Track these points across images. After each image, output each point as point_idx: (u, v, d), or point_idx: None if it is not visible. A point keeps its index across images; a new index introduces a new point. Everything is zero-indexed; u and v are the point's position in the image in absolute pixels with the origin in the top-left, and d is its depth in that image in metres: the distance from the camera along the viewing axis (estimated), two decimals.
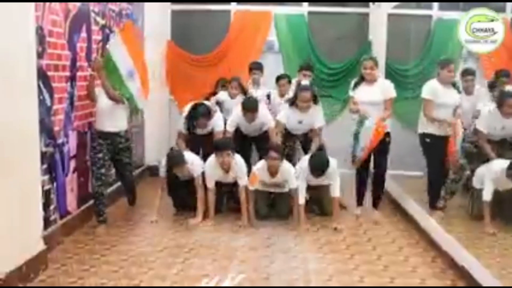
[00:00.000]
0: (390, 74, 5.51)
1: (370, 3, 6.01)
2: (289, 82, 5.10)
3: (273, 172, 4.06)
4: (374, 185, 4.38)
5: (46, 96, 3.30)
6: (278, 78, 5.19)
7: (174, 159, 4.05)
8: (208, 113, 4.38)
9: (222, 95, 5.01)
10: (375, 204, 4.38)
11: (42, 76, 3.22)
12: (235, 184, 4.16)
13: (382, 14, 5.64)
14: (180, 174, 4.08)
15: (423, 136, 4.27)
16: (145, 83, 3.97)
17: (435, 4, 6.09)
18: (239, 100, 4.72)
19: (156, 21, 5.82)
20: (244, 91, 4.93)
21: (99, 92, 3.80)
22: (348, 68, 6.02)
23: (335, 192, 4.05)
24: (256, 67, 5.22)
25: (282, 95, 5.06)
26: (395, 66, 5.90)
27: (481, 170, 4.04)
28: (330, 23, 6.21)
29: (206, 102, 4.56)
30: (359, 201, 4.45)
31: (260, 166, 4.13)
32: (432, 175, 4.33)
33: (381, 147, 4.13)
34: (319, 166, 3.94)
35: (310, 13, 6.10)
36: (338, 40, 6.18)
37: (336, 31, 6.19)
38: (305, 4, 6.11)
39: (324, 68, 6.08)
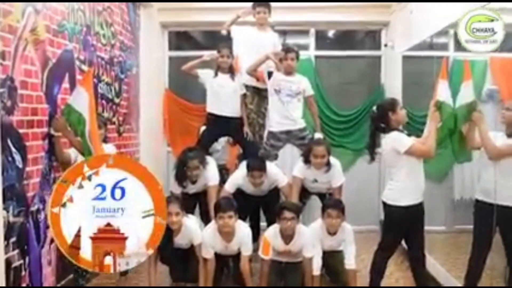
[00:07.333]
0: (407, 121, 5.06)
1: (382, 45, 5.65)
2: None
3: (288, 236, 3.48)
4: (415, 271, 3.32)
5: (17, 157, 2.82)
6: None
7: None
8: (201, 157, 3.85)
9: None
10: None
11: (12, 134, 2.77)
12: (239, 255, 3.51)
13: (395, 56, 5.25)
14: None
15: None
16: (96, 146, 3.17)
17: (451, 46, 5.72)
18: None
19: (153, 69, 5.44)
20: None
21: (75, 153, 3.31)
22: (360, 115, 5.58)
23: (350, 262, 3.43)
24: None
25: None
26: (412, 112, 5.45)
27: None
28: (339, 67, 5.82)
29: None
30: None
31: (271, 230, 3.55)
32: None
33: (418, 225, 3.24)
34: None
35: (317, 57, 5.71)
36: (348, 85, 5.78)
37: (345, 75, 5.80)
38: (312, 47, 5.73)
39: (333, 116, 5.64)
